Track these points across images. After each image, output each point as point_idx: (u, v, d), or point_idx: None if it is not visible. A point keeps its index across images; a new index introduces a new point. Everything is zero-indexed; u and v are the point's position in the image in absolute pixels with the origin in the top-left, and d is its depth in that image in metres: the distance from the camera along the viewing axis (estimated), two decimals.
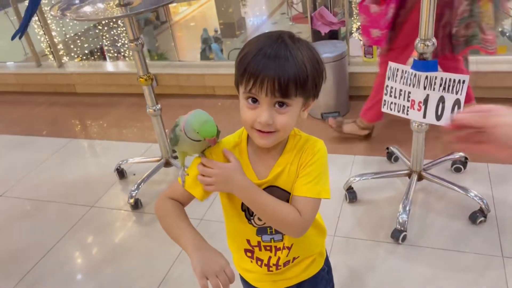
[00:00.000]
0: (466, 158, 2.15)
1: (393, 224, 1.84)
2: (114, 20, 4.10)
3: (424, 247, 1.79)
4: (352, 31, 3.53)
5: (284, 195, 0.92)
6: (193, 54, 4.73)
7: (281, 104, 0.82)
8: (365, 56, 2.96)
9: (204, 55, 4.48)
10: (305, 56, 0.82)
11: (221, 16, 5.21)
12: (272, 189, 0.92)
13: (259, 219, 0.95)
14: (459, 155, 2.15)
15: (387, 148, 2.31)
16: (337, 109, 2.79)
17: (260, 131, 0.85)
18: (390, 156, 2.30)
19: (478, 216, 1.83)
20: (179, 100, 3.30)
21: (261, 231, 0.97)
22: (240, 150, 0.93)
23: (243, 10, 5.40)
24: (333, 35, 2.93)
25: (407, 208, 1.84)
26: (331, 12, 2.90)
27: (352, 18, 3.54)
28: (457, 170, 2.16)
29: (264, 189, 0.91)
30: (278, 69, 0.79)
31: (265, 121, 0.82)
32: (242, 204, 0.94)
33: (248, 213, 0.95)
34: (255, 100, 0.83)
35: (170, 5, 4.09)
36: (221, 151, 0.91)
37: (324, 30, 2.82)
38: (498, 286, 1.59)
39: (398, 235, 1.81)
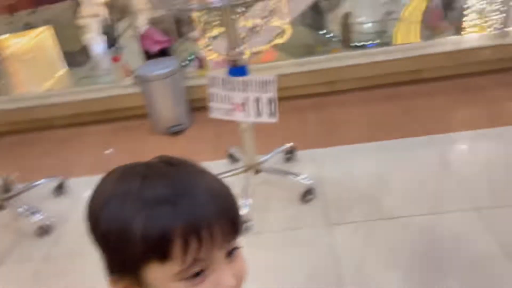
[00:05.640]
0: (293, 148, 2.43)
1: None
2: None
3: (266, 233, 1.98)
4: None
5: None
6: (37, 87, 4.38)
7: (230, 252, 0.63)
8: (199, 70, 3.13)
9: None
10: (210, 176, 0.66)
11: (64, 45, 4.95)
12: None
13: None
14: (287, 146, 2.42)
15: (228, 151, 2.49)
16: (180, 122, 2.89)
17: None
18: (231, 157, 2.48)
19: (307, 194, 2.10)
20: (9, 139, 3.07)
21: None
22: None
23: (85, 38, 5.20)
24: (165, 52, 3.04)
25: (247, 201, 2.02)
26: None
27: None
28: (289, 159, 2.43)
29: None
30: (209, 206, 0.60)
31: (233, 284, 0.61)
32: None
33: None
34: (198, 273, 0.59)
35: None
36: None
37: (154, 48, 2.91)
38: (331, 250, 1.84)
39: None
